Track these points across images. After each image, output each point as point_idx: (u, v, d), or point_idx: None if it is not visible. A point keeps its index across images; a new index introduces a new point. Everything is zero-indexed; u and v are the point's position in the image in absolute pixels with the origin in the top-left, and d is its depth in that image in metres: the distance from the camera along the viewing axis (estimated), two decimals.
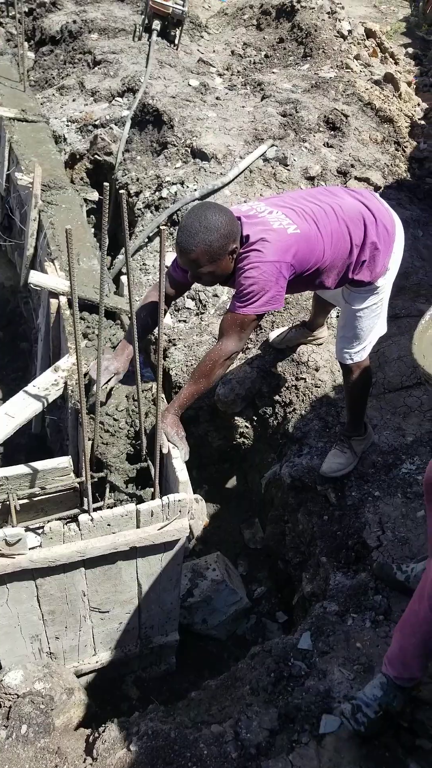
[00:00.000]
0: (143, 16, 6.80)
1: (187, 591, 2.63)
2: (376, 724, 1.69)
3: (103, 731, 1.75)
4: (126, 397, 2.08)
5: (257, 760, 1.64)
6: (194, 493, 1.97)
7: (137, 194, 4.75)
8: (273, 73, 5.84)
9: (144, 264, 4.16)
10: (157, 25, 6.54)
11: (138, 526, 1.85)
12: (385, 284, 2.37)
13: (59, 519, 1.79)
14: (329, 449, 2.76)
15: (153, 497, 1.91)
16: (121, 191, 1.58)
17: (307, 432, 2.95)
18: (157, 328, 1.86)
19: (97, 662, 2.25)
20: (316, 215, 2.15)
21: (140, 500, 1.96)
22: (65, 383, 2.08)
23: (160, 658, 2.49)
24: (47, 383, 2.04)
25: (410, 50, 8.30)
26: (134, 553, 1.93)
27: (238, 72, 6.42)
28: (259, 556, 3.11)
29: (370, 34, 6.50)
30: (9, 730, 1.73)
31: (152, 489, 1.94)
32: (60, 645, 2.11)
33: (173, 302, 2.50)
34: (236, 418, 3.26)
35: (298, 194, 2.29)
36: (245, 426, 3.27)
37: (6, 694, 1.78)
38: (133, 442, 2.04)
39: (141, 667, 2.47)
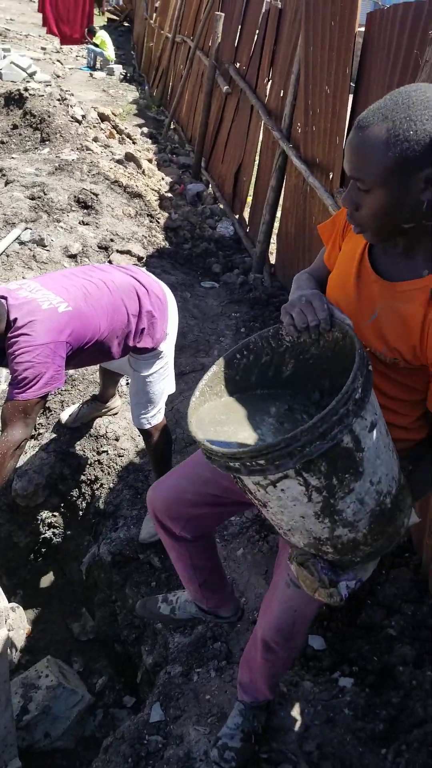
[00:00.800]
0: None
1: (21, 708, 2.41)
2: (244, 752, 1.79)
3: None
4: None
5: None
6: (9, 602, 1.85)
7: None
8: (12, 158, 5.92)
9: None
10: None
11: None
12: (168, 348, 2.53)
13: None
14: (144, 515, 2.80)
15: None
16: None
17: (119, 504, 2.96)
18: None
19: None
20: (88, 290, 2.23)
21: None
22: None
23: None
24: None
25: (145, 129, 9.04)
26: None
27: None
28: (94, 646, 2.99)
29: (104, 117, 6.97)
30: None
31: None
32: None
33: None
34: (41, 510, 3.14)
35: (69, 272, 2.37)
36: (52, 515, 3.16)
37: None
38: None
39: None
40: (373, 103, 1.18)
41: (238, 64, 6.27)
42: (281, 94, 4.83)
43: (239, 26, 6.32)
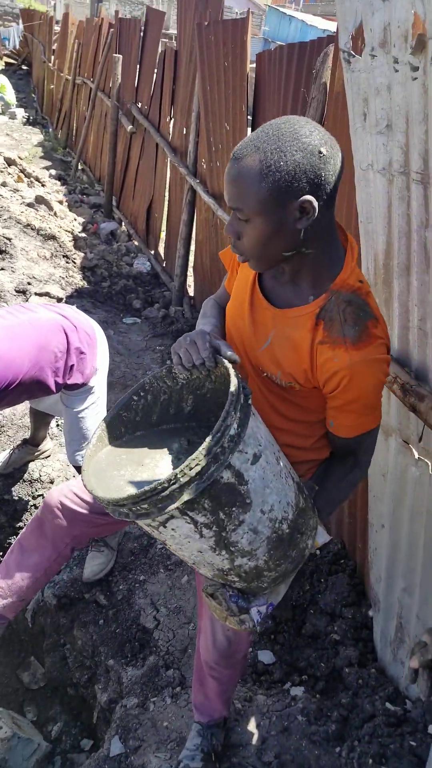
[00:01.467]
0: None
1: None
2: None
3: None
4: None
5: None
6: None
7: None
8: None
9: None
10: None
11: None
12: (99, 382, 2.59)
13: None
14: (86, 554, 2.81)
15: None
16: None
17: None
18: None
19: None
20: (14, 331, 2.25)
21: None
22: None
23: None
24: None
25: (53, 171, 9.10)
26: None
27: None
28: (46, 693, 2.94)
29: (10, 162, 7.00)
30: None
31: None
32: None
33: None
34: None
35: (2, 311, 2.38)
36: None
37: None
38: None
39: None
40: (248, 135, 1.26)
41: (140, 104, 6.48)
42: (184, 132, 5.04)
43: (137, 67, 6.55)
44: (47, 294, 4.74)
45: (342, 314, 1.27)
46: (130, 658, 2.46)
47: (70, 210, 7.14)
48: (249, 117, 3.81)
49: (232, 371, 1.22)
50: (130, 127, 6.59)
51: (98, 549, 2.77)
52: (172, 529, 1.20)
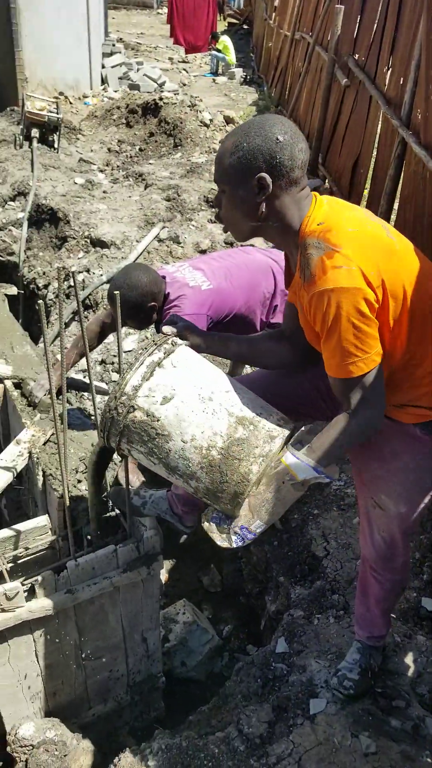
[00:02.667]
0: (21, 126, 7.31)
1: (163, 637, 2.79)
2: (361, 684, 2.00)
3: (119, 761, 1.89)
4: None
5: (263, 748, 1.84)
6: None
7: (45, 287, 5.06)
8: (150, 164, 6.45)
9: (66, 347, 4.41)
10: (35, 132, 7.05)
11: (118, 566, 2.06)
12: None
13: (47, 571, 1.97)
14: None
15: (126, 539, 2.13)
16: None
17: None
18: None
19: (93, 715, 2.36)
20: (230, 271, 2.57)
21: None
22: (29, 453, 2.28)
23: (149, 705, 2.61)
24: (13, 455, 2.23)
25: None
26: (117, 593, 2.12)
27: (118, 166, 7.01)
28: (221, 598, 3.30)
29: (228, 120, 7.35)
30: None
31: (123, 533, 2.17)
32: (57, 701, 2.22)
33: None
34: None
35: (217, 254, 2.73)
36: None
37: (21, 747, 1.88)
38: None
39: (133, 717, 2.58)
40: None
41: (357, 56, 6.37)
42: (401, 82, 4.91)
43: (359, 16, 6.41)
44: (251, 246, 5.01)
45: (302, 261, 1.48)
46: (299, 579, 2.69)
47: None
48: None
49: (156, 338, 1.66)
50: (344, 81, 6.52)
51: None
52: (136, 456, 1.63)
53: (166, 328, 1.71)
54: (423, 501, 1.78)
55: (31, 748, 1.89)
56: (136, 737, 2.57)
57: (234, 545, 1.49)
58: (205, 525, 1.53)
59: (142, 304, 2.33)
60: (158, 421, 1.53)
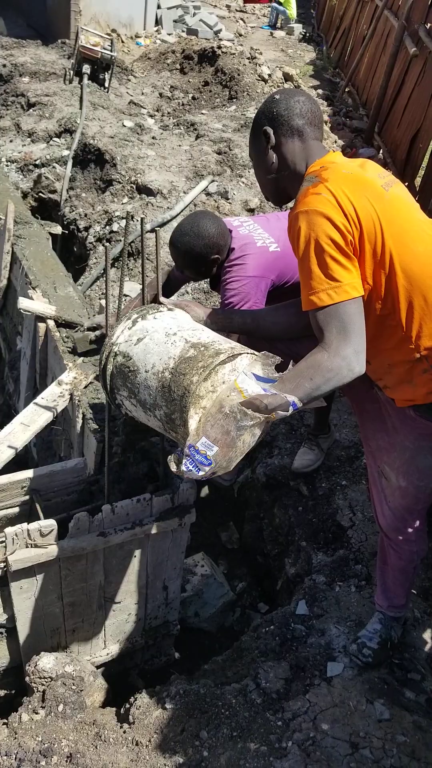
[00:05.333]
0: (73, 61, 7.12)
1: (180, 587, 2.82)
2: (379, 654, 2.01)
3: (135, 700, 1.93)
4: None
5: (279, 702, 1.87)
6: None
7: (86, 229, 4.99)
8: (202, 114, 6.28)
9: (103, 293, 4.38)
10: (87, 69, 6.86)
11: (152, 515, 2.06)
12: None
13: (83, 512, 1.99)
14: (297, 449, 3.06)
15: (159, 488, 2.13)
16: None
17: (276, 436, 3.25)
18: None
19: (107, 655, 2.40)
20: None
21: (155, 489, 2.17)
22: (71, 395, 2.28)
23: (161, 650, 2.66)
24: (54, 396, 2.23)
25: (320, 91, 9.04)
26: (147, 541, 2.14)
27: (168, 113, 6.84)
28: (237, 555, 3.33)
29: (287, 77, 7.12)
30: (47, 709, 1.87)
31: (157, 483, 2.17)
32: (75, 638, 2.26)
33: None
34: None
35: (284, 215, 2.63)
36: None
37: (40, 678, 1.92)
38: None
39: (144, 660, 2.64)
40: None
41: (429, 25, 6.11)
42: None
43: None
44: None
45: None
46: (322, 545, 2.69)
47: (332, 132, 7.11)
48: None
49: (145, 306, 1.77)
50: (413, 50, 6.27)
51: (310, 447, 3.00)
52: (127, 408, 1.72)
53: (164, 299, 1.81)
54: (424, 483, 1.79)
55: (49, 680, 1.93)
56: (145, 680, 2.63)
57: (184, 468, 1.39)
58: (169, 458, 1.47)
59: (206, 255, 2.25)
60: (131, 359, 1.65)
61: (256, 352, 1.57)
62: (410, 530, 1.91)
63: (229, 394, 1.45)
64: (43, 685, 1.95)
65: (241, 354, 1.55)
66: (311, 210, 1.46)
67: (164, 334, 1.65)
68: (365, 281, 1.51)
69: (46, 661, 1.98)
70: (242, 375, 1.48)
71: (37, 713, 1.86)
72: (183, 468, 1.39)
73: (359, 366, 1.44)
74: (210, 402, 1.47)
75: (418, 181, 5.81)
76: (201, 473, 1.39)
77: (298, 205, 1.52)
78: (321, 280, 1.45)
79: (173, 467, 1.42)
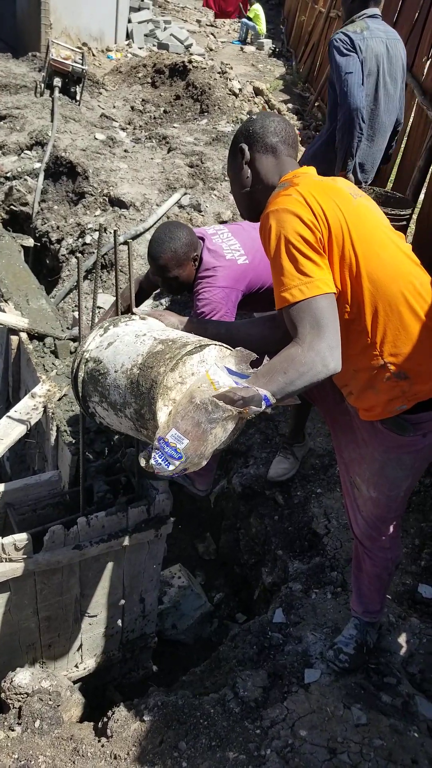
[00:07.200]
0: (44, 74, 7.13)
1: (157, 599, 2.81)
2: (356, 659, 2.03)
3: (113, 714, 1.91)
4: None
5: (257, 711, 1.88)
6: None
7: (59, 241, 4.98)
8: (174, 127, 6.32)
9: (76, 306, 4.37)
10: (58, 82, 6.88)
11: (128, 527, 2.06)
12: None
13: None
14: (272, 458, 3.08)
15: (134, 499, 2.13)
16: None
17: (251, 446, 3.27)
18: None
19: (85, 669, 2.38)
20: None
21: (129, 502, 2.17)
22: (44, 407, 2.27)
23: (139, 663, 2.65)
24: (27, 408, 2.22)
25: (290, 105, 9.17)
26: (123, 553, 2.13)
27: (140, 126, 6.87)
28: (214, 565, 3.34)
29: (258, 92, 7.21)
30: (24, 725, 1.85)
31: (132, 495, 2.17)
32: (52, 653, 2.24)
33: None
34: None
35: (255, 224, 2.67)
36: None
37: (16, 694, 1.90)
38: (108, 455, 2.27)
39: (121, 674, 2.62)
40: None
41: None
42: None
43: (399, 3, 6.28)
44: None
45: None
46: (298, 553, 2.71)
47: (301, 145, 7.22)
48: None
49: (119, 316, 1.82)
50: None
51: (285, 456, 3.03)
52: (100, 415, 1.72)
53: (137, 309, 1.84)
54: (395, 492, 1.82)
55: (25, 696, 1.90)
56: (123, 694, 2.61)
57: (153, 462, 1.35)
58: (139, 455, 1.45)
59: (187, 254, 2.30)
60: (101, 363, 1.66)
61: (229, 347, 1.57)
62: (384, 538, 1.94)
63: (200, 385, 1.42)
64: (19, 701, 1.93)
65: (209, 345, 1.54)
66: (281, 209, 1.51)
67: (134, 336, 1.67)
68: (334, 284, 1.53)
69: (22, 677, 1.95)
70: (214, 367, 1.46)
71: (13, 730, 1.84)
72: (152, 462, 1.35)
73: (334, 362, 1.42)
74: (180, 394, 1.46)
75: (389, 187, 5.91)
76: (171, 467, 1.34)
77: (269, 206, 1.58)
78: (293, 276, 1.46)
79: (142, 462, 1.37)
